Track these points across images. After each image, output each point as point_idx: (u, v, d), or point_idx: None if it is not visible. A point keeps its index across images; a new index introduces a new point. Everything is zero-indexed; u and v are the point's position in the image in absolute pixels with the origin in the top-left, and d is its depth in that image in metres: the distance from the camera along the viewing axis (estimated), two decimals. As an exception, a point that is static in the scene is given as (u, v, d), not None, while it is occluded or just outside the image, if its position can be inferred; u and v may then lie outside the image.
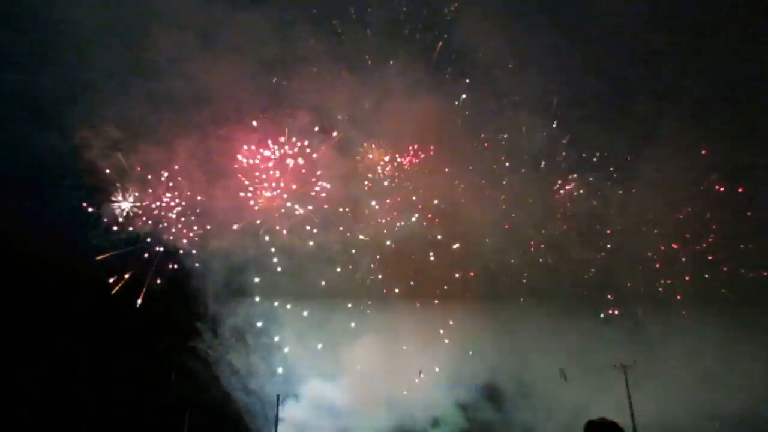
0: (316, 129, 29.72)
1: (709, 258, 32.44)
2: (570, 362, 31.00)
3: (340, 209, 30.98)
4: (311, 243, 30.73)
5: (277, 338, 31.40)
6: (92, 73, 24.81)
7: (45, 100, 24.26)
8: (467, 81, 30.08)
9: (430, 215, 31.01)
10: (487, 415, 32.14)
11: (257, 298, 30.93)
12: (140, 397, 28.77)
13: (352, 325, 31.73)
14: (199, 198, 29.41)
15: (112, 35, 25.29)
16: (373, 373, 30.93)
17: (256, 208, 30.44)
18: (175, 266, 29.99)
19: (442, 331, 32.30)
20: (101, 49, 24.65)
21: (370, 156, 31.38)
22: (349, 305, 31.89)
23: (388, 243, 31.17)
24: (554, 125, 31.30)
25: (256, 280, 30.81)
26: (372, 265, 31.50)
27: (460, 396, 32.45)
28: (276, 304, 31.27)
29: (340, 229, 31.53)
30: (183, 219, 29.61)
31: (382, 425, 31.01)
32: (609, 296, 33.10)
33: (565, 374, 30.61)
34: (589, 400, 28.52)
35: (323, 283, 31.02)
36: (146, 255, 29.54)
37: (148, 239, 29.30)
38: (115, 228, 28.66)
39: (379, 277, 31.73)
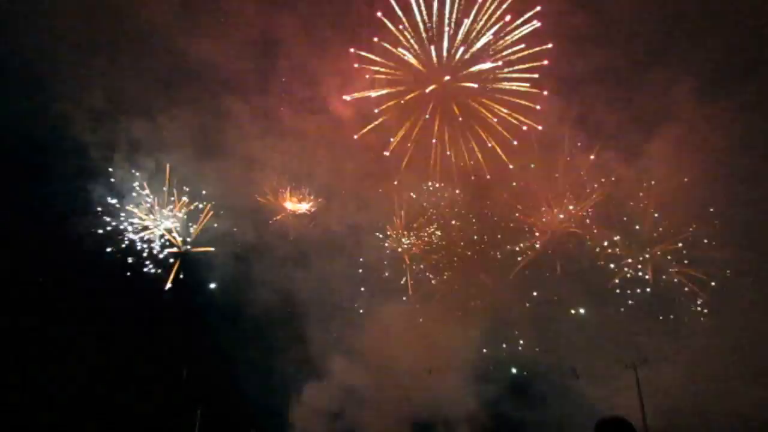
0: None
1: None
2: (588, 359, 29.58)
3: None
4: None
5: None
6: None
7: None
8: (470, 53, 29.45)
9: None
10: (512, 413, 30.44)
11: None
12: (151, 394, 28.38)
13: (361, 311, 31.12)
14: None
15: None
16: (398, 366, 30.07)
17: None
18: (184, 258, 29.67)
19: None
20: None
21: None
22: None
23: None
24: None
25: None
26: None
27: (487, 393, 31.01)
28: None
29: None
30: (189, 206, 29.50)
31: (405, 418, 30.02)
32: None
33: (577, 373, 29.11)
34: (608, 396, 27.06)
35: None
36: (147, 248, 29.33)
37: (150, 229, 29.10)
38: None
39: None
